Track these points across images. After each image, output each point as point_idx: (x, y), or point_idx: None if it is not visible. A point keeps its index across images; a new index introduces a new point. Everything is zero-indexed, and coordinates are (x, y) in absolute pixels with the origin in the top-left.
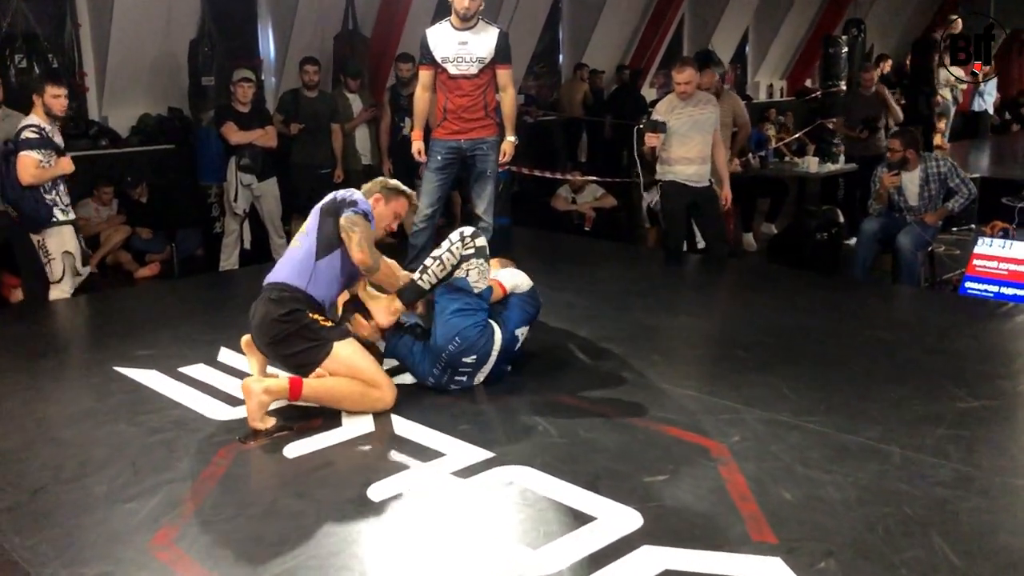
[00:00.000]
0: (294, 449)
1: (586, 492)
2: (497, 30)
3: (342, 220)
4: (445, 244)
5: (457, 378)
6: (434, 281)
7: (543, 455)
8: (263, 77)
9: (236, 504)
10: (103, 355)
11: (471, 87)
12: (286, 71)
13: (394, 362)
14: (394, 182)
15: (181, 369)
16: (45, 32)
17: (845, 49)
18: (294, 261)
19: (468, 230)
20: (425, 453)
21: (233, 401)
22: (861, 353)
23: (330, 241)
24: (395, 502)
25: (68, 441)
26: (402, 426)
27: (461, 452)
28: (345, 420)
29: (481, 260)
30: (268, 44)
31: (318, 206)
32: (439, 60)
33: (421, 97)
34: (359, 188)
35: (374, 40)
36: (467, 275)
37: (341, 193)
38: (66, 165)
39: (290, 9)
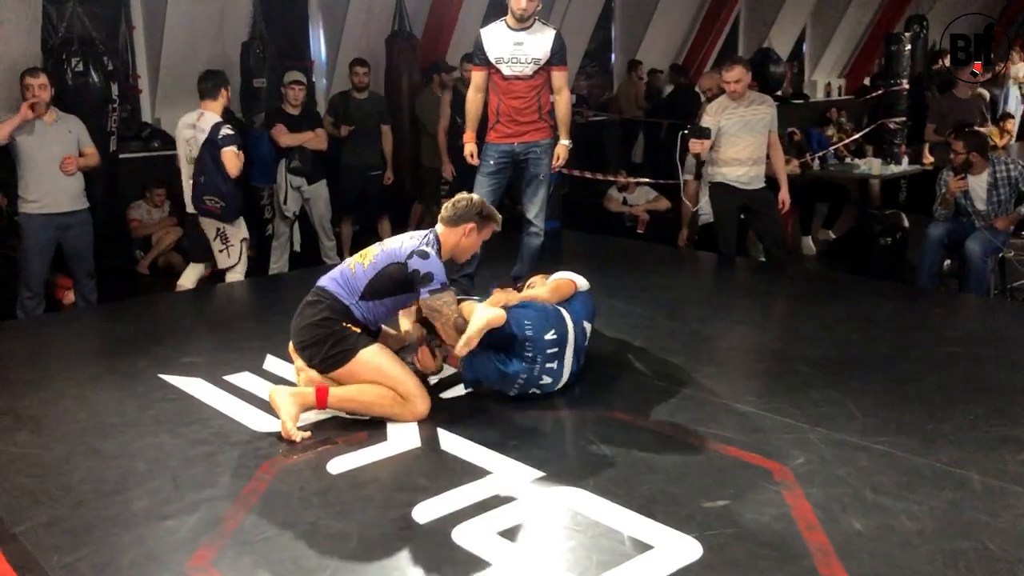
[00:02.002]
0: (338, 464)
1: (642, 517)
2: (553, 31)
3: (426, 301)
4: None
5: (548, 365)
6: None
7: (596, 476)
8: (314, 79)
9: (277, 523)
10: (149, 361)
11: (525, 88)
12: (337, 73)
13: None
14: (489, 207)
15: (226, 377)
16: (100, 35)
17: (908, 46)
18: (347, 279)
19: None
20: (472, 471)
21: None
22: (931, 368)
23: (380, 291)
24: (439, 525)
25: (110, 453)
26: (449, 441)
27: (510, 471)
28: (390, 434)
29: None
30: (319, 46)
31: (391, 248)
32: (493, 60)
33: (474, 98)
34: (422, 189)
35: (424, 41)
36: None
37: (416, 261)
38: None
39: (341, 11)
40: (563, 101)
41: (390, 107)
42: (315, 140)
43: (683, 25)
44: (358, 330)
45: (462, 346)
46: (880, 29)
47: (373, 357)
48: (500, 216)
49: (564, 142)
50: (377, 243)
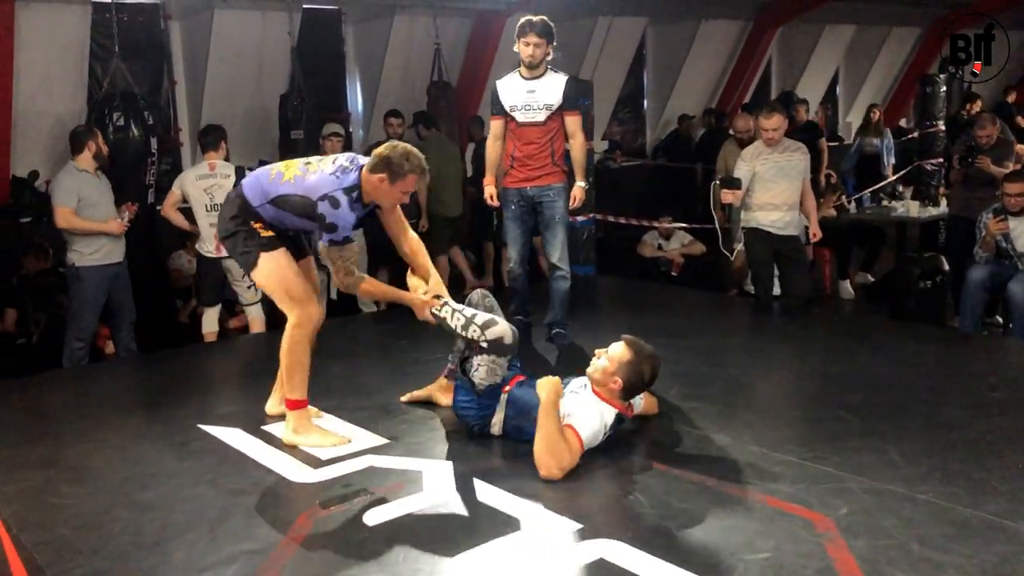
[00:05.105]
0: (375, 516)
1: (681, 571)
2: (564, 77)
3: (321, 249)
4: (470, 315)
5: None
6: (444, 319)
7: (634, 528)
8: (350, 130)
9: None
10: (187, 412)
11: (538, 134)
12: (373, 123)
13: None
14: (401, 159)
15: (264, 427)
16: (142, 91)
17: (943, 88)
18: (262, 184)
19: (486, 319)
20: (510, 523)
21: (314, 462)
22: (976, 414)
23: (285, 208)
24: None
25: (149, 504)
26: (485, 491)
27: (547, 523)
28: (426, 484)
29: (493, 358)
30: (356, 97)
31: (311, 180)
32: (508, 109)
33: (492, 146)
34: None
35: (459, 93)
36: (476, 369)
37: (325, 206)
38: None
39: (377, 63)
40: (577, 145)
41: None
42: None
43: (715, 70)
44: (270, 233)
45: (344, 281)
46: (914, 70)
47: (269, 262)
48: (423, 167)
49: (580, 184)
50: (305, 161)
